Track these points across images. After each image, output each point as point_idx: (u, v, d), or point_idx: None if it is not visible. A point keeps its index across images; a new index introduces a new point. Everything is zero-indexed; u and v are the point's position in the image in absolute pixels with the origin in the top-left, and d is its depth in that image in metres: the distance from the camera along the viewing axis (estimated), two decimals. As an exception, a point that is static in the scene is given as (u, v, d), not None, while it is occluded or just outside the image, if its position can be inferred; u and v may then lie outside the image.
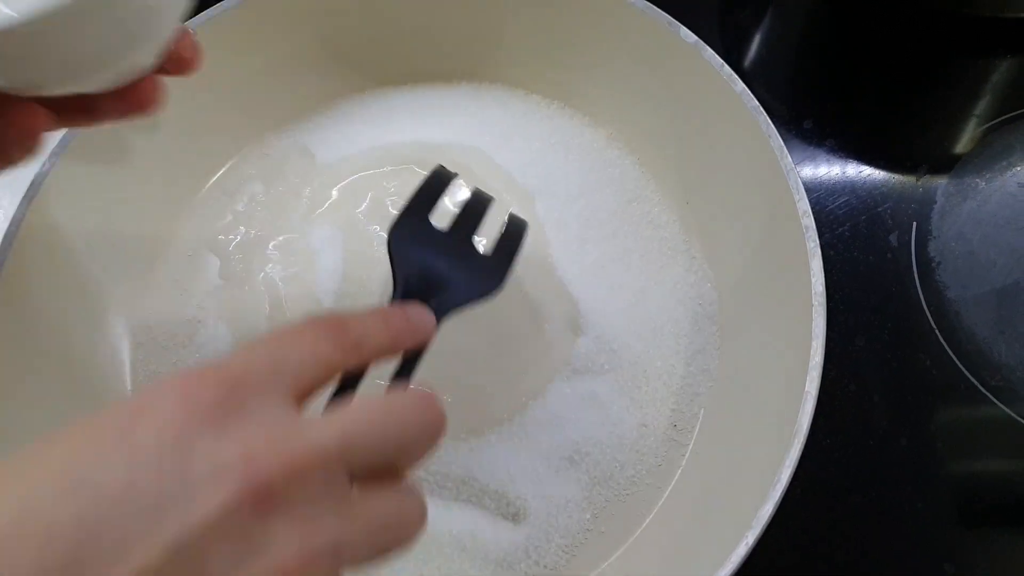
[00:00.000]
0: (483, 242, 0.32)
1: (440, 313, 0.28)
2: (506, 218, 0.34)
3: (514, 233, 0.33)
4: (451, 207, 0.34)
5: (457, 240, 0.31)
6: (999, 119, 0.52)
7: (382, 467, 0.22)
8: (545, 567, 0.39)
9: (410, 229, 0.31)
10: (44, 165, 0.40)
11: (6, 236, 0.39)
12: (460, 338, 0.41)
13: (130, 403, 0.20)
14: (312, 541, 0.19)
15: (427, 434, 0.23)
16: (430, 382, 0.25)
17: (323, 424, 0.21)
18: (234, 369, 0.21)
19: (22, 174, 0.40)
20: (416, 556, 0.39)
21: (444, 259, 0.30)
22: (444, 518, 0.39)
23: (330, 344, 0.23)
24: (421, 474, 0.40)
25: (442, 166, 0.33)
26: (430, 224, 0.31)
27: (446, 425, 0.23)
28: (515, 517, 0.40)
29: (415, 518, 0.23)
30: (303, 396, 0.22)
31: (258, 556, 0.18)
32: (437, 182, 0.32)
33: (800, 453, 0.33)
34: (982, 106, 0.53)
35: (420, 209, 0.31)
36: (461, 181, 0.34)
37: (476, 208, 0.33)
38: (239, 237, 0.47)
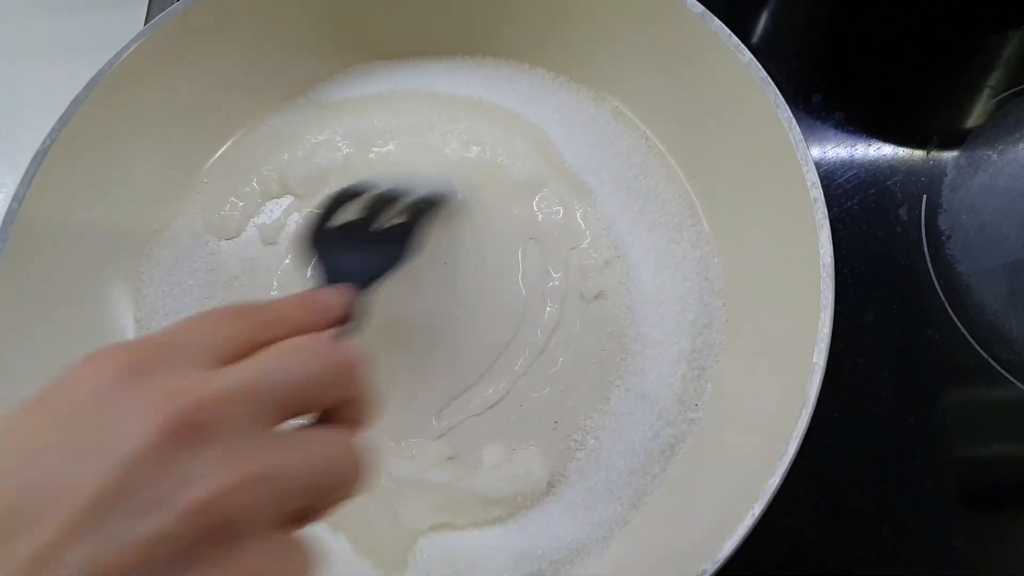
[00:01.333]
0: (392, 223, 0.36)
1: (361, 287, 0.31)
2: (415, 199, 0.37)
3: (419, 210, 0.36)
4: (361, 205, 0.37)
5: (365, 228, 0.35)
6: (1012, 90, 0.51)
7: (310, 408, 0.24)
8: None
9: (320, 232, 0.35)
10: (44, 142, 0.40)
11: (7, 214, 0.39)
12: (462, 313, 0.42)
13: (67, 371, 0.21)
14: (241, 469, 0.20)
15: (344, 378, 0.24)
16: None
17: (238, 367, 0.22)
18: (157, 337, 0.22)
19: (22, 152, 0.40)
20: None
21: (355, 247, 0.34)
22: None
23: (246, 322, 0.24)
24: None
25: (359, 184, 0.37)
26: (336, 225, 0.35)
27: (362, 369, 0.25)
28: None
29: (350, 459, 0.23)
30: (222, 364, 0.23)
31: (187, 487, 0.19)
32: (343, 195, 0.36)
33: (807, 425, 0.33)
34: (995, 78, 0.52)
35: (326, 216, 0.35)
36: (379, 184, 0.38)
37: (383, 199, 0.36)
38: (238, 214, 0.47)
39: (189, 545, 0.19)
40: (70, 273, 0.42)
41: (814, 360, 0.34)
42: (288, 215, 0.47)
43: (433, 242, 0.43)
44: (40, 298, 0.41)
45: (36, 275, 0.41)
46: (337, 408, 0.25)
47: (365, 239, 0.35)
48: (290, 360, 0.23)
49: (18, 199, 0.39)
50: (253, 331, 0.24)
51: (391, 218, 0.37)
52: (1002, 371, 0.44)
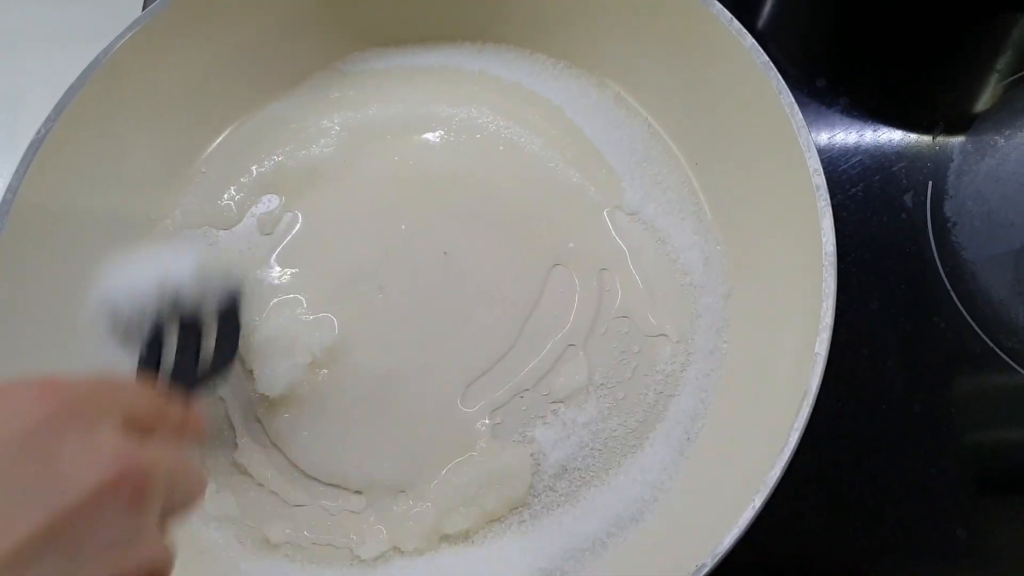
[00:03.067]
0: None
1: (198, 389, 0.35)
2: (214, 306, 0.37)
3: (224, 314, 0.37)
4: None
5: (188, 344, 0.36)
6: (1020, 74, 0.50)
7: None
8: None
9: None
10: (40, 131, 0.40)
11: (2, 204, 0.39)
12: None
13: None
14: (161, 540, 0.22)
15: (203, 489, 0.28)
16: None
17: (157, 452, 0.23)
18: (83, 385, 0.22)
19: (18, 140, 0.40)
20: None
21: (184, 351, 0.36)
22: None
23: (148, 402, 0.26)
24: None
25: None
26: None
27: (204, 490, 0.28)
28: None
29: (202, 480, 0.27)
30: (130, 429, 0.24)
31: (133, 545, 0.20)
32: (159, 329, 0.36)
33: (809, 415, 0.33)
34: (1002, 62, 0.51)
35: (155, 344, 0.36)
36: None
37: (192, 330, 0.37)
38: (236, 204, 0.47)
39: None
40: (66, 262, 0.42)
41: (815, 350, 0.34)
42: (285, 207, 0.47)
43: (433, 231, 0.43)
44: (36, 287, 0.41)
45: (32, 265, 0.41)
46: None
47: (189, 344, 0.37)
48: (185, 468, 0.26)
49: (12, 189, 0.39)
50: (150, 411, 0.26)
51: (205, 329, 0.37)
52: (1008, 359, 0.44)
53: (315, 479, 0.41)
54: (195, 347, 0.36)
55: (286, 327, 0.42)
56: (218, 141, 0.49)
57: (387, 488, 0.41)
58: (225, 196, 0.47)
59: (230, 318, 0.37)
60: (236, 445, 0.42)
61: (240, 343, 0.37)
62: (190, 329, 0.36)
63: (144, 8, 0.56)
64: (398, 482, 0.41)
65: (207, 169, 0.48)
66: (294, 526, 0.41)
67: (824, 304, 0.34)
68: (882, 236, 0.47)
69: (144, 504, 0.21)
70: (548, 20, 0.47)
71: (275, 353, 0.42)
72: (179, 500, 0.25)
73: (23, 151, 0.40)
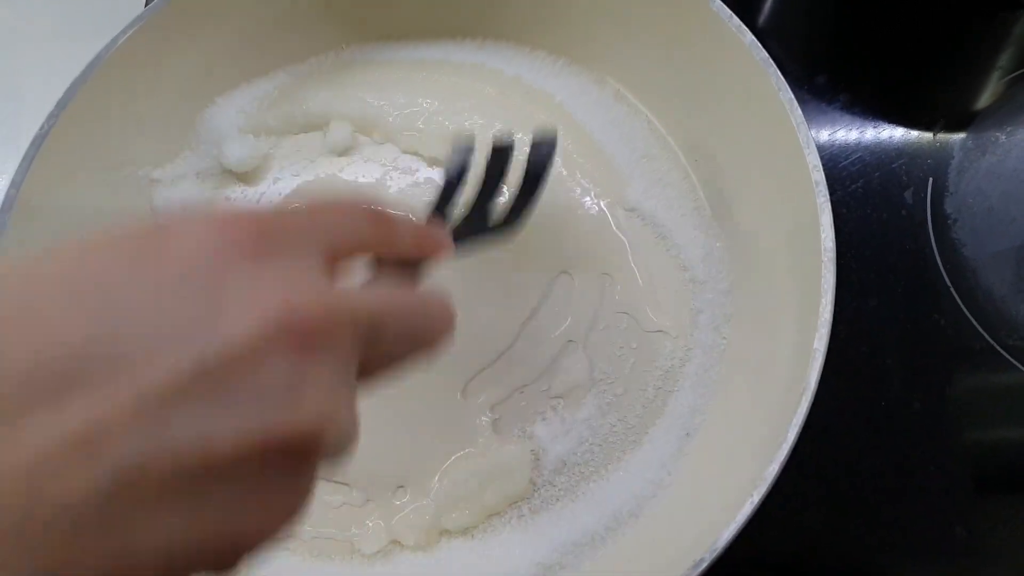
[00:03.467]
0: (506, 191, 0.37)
1: (459, 240, 0.32)
2: (524, 173, 0.37)
3: (529, 191, 0.37)
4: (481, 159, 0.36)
5: (486, 187, 0.36)
6: (1021, 71, 0.50)
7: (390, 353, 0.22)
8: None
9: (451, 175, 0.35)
10: (43, 126, 0.40)
11: (6, 199, 0.39)
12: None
13: (157, 223, 0.18)
14: (341, 400, 0.19)
15: (443, 334, 0.23)
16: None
17: (360, 293, 0.20)
18: (272, 217, 0.20)
19: (22, 136, 0.40)
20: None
21: (474, 204, 0.35)
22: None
23: (369, 224, 0.23)
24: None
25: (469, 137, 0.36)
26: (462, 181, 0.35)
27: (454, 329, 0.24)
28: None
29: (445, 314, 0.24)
30: (334, 262, 0.21)
31: (287, 394, 0.17)
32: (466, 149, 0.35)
33: (808, 412, 0.33)
34: (1004, 58, 0.51)
35: (457, 168, 0.35)
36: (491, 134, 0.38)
37: (497, 163, 0.36)
38: (241, 199, 0.47)
39: (256, 469, 0.17)
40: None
41: (815, 346, 0.34)
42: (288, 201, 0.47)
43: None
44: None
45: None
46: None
47: (483, 201, 0.36)
48: (413, 311, 0.22)
49: (16, 185, 0.39)
50: (372, 234, 0.23)
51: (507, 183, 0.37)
52: (1008, 357, 0.44)
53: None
54: (488, 200, 0.35)
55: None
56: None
57: (387, 483, 0.41)
58: (230, 194, 0.47)
59: (535, 178, 0.36)
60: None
61: (534, 207, 0.36)
62: (490, 180, 0.35)
63: (147, 5, 0.56)
64: (398, 477, 0.41)
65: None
66: (295, 520, 0.41)
67: (823, 300, 0.34)
68: (882, 233, 0.47)
69: (316, 355, 0.18)
70: (547, 17, 0.47)
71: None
72: (396, 348, 0.22)
73: (26, 147, 0.40)
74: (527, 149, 0.37)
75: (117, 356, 0.16)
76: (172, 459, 0.16)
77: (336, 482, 0.41)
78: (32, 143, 0.40)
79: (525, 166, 0.37)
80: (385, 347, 0.21)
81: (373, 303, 0.20)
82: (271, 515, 0.18)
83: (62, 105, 0.41)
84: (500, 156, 0.36)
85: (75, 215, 0.43)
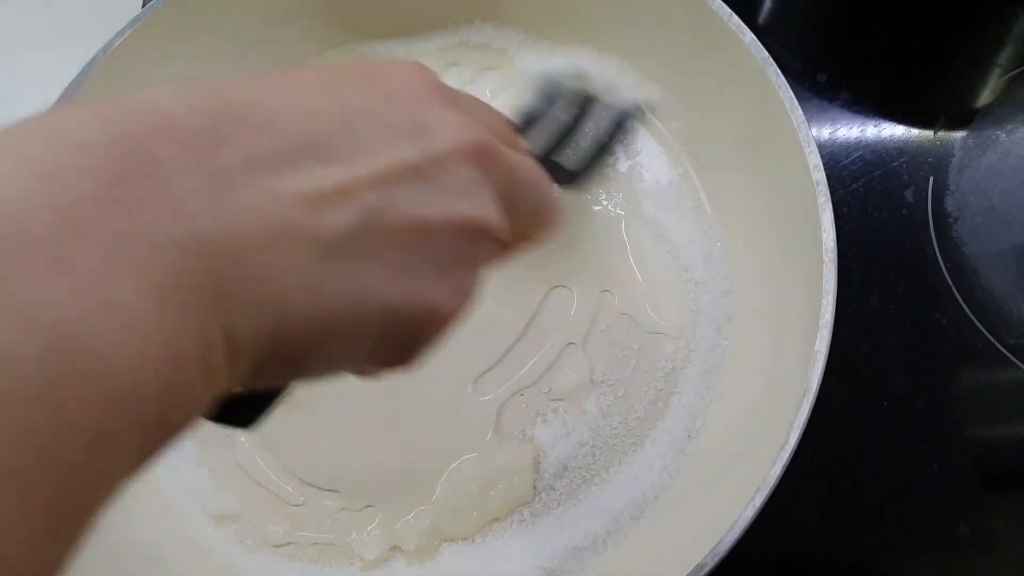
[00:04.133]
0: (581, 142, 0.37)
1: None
2: (605, 128, 0.37)
3: (601, 150, 0.37)
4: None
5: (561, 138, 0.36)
6: (1021, 68, 0.50)
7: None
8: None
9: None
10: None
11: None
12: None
13: (380, 64, 0.22)
14: (497, 210, 0.22)
15: (558, 215, 0.27)
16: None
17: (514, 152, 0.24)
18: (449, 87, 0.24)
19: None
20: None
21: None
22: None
23: (509, 133, 0.26)
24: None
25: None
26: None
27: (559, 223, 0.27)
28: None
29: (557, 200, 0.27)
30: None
31: (465, 201, 0.21)
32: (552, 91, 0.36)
33: (809, 414, 0.32)
34: (1004, 56, 0.51)
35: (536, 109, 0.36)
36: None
37: (576, 116, 0.37)
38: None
39: (450, 246, 0.21)
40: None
41: (816, 347, 0.33)
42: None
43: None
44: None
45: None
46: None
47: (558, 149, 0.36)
48: (539, 180, 0.25)
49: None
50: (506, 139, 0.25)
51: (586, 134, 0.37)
52: (1009, 355, 0.44)
53: (313, 485, 0.41)
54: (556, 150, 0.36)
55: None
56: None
57: (388, 488, 0.41)
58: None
59: (616, 130, 0.37)
60: (236, 445, 0.42)
61: (609, 160, 0.38)
62: (573, 126, 0.36)
63: (143, 6, 0.56)
64: (399, 482, 0.41)
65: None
66: (294, 525, 0.41)
67: (825, 301, 0.34)
68: (883, 232, 0.47)
69: (491, 171, 0.22)
70: (545, 16, 0.47)
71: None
72: (522, 209, 0.25)
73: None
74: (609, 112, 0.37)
75: (356, 142, 0.19)
76: (402, 215, 0.19)
77: (329, 490, 0.41)
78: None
79: (603, 126, 0.37)
80: (514, 204, 0.24)
81: (521, 160, 0.24)
82: (454, 296, 0.21)
83: (69, 93, 0.40)
84: (580, 107, 0.37)
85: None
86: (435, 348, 0.23)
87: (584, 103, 0.37)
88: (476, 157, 0.21)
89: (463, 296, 0.22)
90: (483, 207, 0.21)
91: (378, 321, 0.19)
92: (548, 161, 0.35)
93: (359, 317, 0.19)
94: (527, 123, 0.35)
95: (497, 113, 0.27)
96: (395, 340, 0.21)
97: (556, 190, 0.27)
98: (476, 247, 0.21)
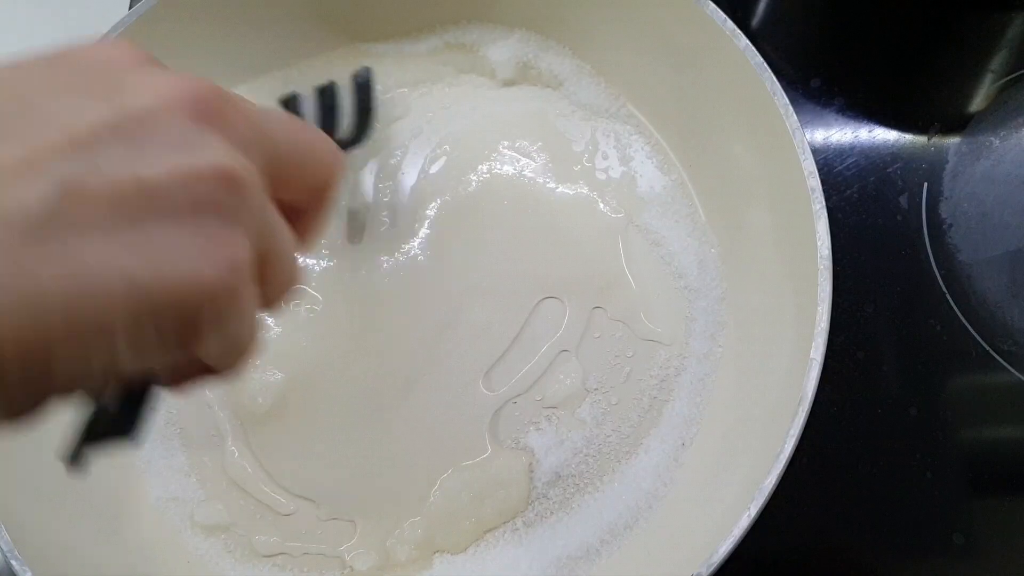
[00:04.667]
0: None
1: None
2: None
3: (364, 113, 0.40)
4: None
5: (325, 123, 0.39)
6: (1014, 75, 0.50)
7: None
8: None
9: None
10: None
11: None
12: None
13: (75, 44, 0.21)
14: (240, 159, 0.20)
15: (337, 169, 0.25)
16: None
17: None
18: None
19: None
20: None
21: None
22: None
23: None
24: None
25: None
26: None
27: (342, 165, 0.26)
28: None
29: (331, 148, 0.25)
30: None
31: (189, 152, 0.19)
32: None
33: (805, 422, 0.32)
34: (997, 61, 0.51)
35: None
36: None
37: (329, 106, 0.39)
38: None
39: (181, 207, 0.19)
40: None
41: (811, 355, 0.33)
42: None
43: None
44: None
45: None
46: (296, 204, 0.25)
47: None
48: (300, 133, 0.24)
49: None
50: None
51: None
52: (1003, 362, 0.44)
53: (303, 496, 0.41)
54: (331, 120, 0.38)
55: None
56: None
57: (380, 498, 0.40)
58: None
59: (364, 93, 0.40)
60: (225, 454, 0.41)
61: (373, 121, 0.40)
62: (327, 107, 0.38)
63: (131, 7, 0.55)
64: (390, 492, 0.40)
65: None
66: (284, 536, 0.40)
67: (819, 308, 0.34)
68: (877, 238, 0.47)
69: (219, 120, 0.20)
70: (539, 21, 0.47)
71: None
72: (294, 172, 0.24)
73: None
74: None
75: (36, 114, 0.18)
76: (109, 181, 0.18)
77: (320, 501, 0.41)
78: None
79: (356, 103, 0.40)
80: (284, 170, 0.23)
81: (263, 109, 0.23)
82: (215, 258, 0.19)
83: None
84: (327, 96, 0.39)
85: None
86: (243, 340, 0.21)
87: (325, 93, 0.39)
88: (195, 108, 0.20)
89: (228, 258, 0.19)
90: (210, 154, 0.19)
91: (123, 301, 0.17)
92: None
93: (92, 300, 0.17)
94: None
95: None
96: (163, 325, 0.18)
97: (326, 139, 0.25)
98: (225, 199, 0.20)
